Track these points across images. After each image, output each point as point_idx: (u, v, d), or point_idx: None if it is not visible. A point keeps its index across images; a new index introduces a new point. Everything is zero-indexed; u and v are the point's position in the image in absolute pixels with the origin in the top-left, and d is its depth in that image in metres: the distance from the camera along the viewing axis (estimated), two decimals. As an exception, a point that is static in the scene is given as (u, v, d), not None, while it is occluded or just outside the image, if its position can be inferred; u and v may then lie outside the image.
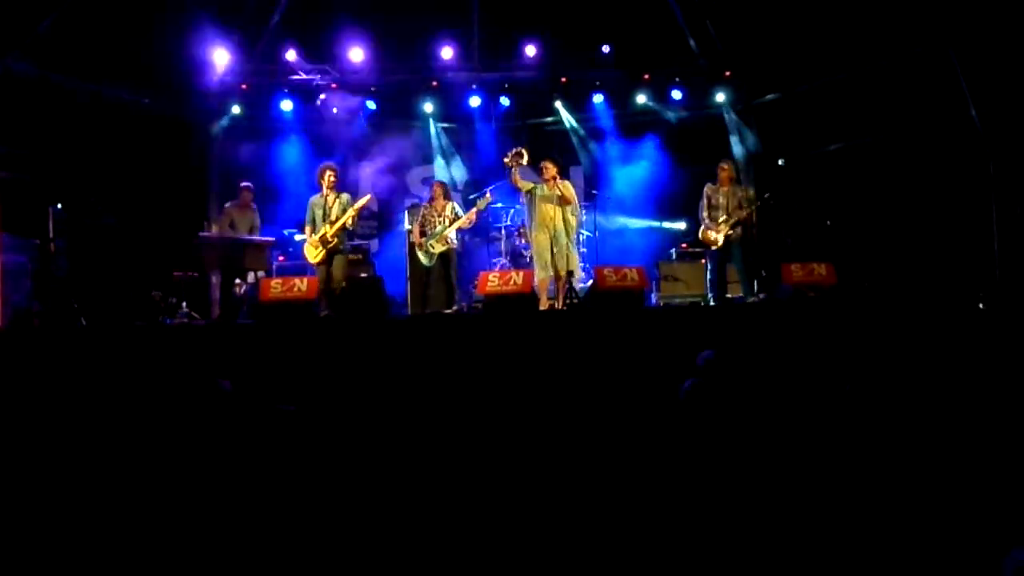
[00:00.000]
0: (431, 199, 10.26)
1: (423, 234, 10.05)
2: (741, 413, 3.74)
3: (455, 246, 10.07)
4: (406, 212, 12.08)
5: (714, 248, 9.89)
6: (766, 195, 10.40)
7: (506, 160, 9.56)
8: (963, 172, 10.49)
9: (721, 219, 9.79)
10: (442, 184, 10.46)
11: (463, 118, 13.56)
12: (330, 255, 9.57)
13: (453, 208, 10.12)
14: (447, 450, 4.06)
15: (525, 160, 9.54)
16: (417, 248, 10.14)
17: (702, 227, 9.96)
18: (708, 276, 10.21)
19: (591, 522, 3.35)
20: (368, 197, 10.23)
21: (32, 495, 4.16)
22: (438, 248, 9.94)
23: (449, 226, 9.93)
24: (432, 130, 13.61)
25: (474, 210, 10.13)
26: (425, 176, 13.73)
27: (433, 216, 10.07)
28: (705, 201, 9.95)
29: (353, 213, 9.58)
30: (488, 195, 10.33)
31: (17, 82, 10.84)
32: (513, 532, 3.41)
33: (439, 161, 13.73)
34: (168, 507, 3.70)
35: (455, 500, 3.68)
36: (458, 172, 13.81)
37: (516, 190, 9.68)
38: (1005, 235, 10.08)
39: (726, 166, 10.06)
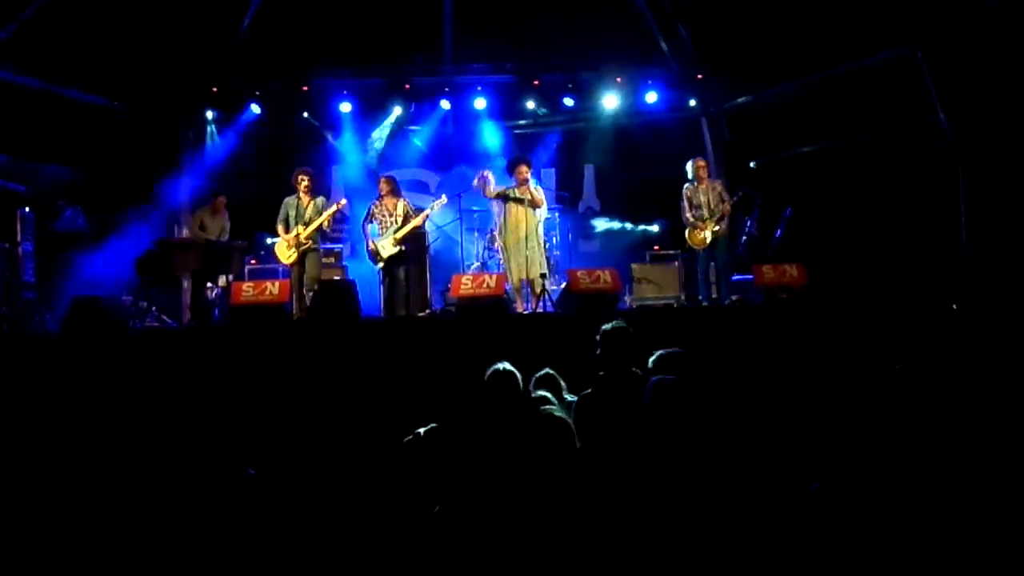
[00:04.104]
0: (379, 196, 9.97)
1: (377, 233, 9.84)
2: (709, 414, 3.75)
3: (406, 248, 9.83)
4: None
5: (703, 248, 9.75)
6: (740, 191, 10.10)
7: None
8: (932, 175, 10.59)
9: (706, 217, 9.67)
10: (389, 180, 10.06)
11: (435, 121, 13.49)
12: (303, 256, 9.63)
13: (405, 207, 9.86)
14: (414, 454, 4.05)
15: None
16: (367, 250, 9.93)
17: (688, 229, 9.81)
18: (698, 276, 9.97)
19: (560, 525, 3.35)
20: (343, 202, 10.11)
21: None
22: (389, 250, 9.72)
23: (402, 227, 9.70)
24: (384, 133, 13.42)
25: (426, 212, 9.99)
26: (405, 180, 13.62)
27: (384, 215, 9.84)
28: (686, 203, 9.80)
29: (328, 216, 9.66)
30: (443, 198, 10.24)
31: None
32: (483, 535, 3.40)
33: (411, 164, 13.62)
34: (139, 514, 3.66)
35: (424, 505, 3.67)
36: (429, 175, 13.75)
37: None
38: (973, 237, 10.19)
39: (702, 162, 9.95)
